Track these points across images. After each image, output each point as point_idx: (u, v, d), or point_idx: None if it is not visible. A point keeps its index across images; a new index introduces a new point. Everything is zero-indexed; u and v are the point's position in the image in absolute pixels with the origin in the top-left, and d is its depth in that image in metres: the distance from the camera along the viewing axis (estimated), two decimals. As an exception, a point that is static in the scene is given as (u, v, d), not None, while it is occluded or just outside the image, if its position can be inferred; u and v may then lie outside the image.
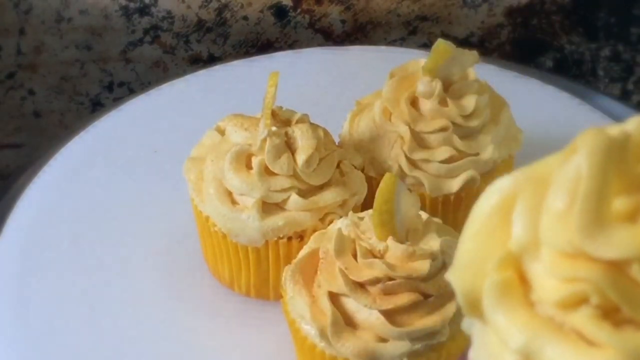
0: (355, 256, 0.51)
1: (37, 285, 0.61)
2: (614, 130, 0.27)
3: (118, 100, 0.80)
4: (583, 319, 0.26)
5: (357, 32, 0.88)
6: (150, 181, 0.68)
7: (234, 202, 0.57)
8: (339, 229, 0.52)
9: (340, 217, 0.55)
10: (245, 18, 0.86)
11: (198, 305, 0.61)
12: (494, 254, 0.28)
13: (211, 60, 0.88)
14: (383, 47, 0.84)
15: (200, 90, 0.77)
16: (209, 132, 0.61)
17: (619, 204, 0.26)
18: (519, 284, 0.28)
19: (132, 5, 0.85)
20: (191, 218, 0.61)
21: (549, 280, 0.27)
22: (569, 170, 0.27)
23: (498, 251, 0.28)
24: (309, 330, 0.51)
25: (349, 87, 0.70)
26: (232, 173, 0.56)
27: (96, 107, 0.89)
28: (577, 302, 0.26)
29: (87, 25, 0.85)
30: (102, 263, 0.63)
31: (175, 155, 0.63)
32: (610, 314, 0.26)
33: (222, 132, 0.60)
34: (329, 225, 0.55)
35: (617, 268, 0.26)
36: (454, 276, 0.29)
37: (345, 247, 0.51)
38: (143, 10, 0.85)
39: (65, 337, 0.58)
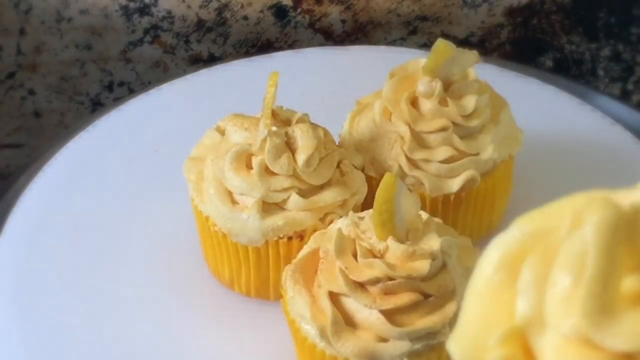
0: (355, 256, 0.51)
1: (37, 285, 0.61)
2: (624, 199, 0.25)
3: (118, 100, 0.80)
4: None
5: (357, 32, 0.88)
6: (150, 181, 0.68)
7: (234, 202, 0.57)
8: (339, 229, 0.52)
9: (340, 217, 0.55)
10: (245, 18, 0.86)
11: (198, 305, 0.61)
12: (498, 324, 0.25)
13: (211, 60, 0.88)
14: (383, 47, 0.84)
15: (200, 90, 0.77)
16: (209, 132, 0.61)
17: (630, 284, 0.24)
18: None
19: (132, 5, 0.85)
20: (191, 218, 0.61)
21: None
22: (575, 244, 0.24)
23: (502, 321, 0.25)
24: (309, 330, 0.51)
25: (349, 87, 0.70)
26: (232, 173, 0.56)
27: (96, 107, 0.89)
28: None
29: (87, 25, 0.85)
30: (102, 263, 0.63)
31: (175, 155, 0.63)
32: None
33: (222, 132, 0.60)
34: (329, 225, 0.55)
35: (625, 359, 0.23)
36: (454, 347, 0.26)
37: (345, 247, 0.51)
38: (143, 10, 0.85)
39: (66, 336, 0.58)
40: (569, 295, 0.24)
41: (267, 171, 0.56)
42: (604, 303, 0.23)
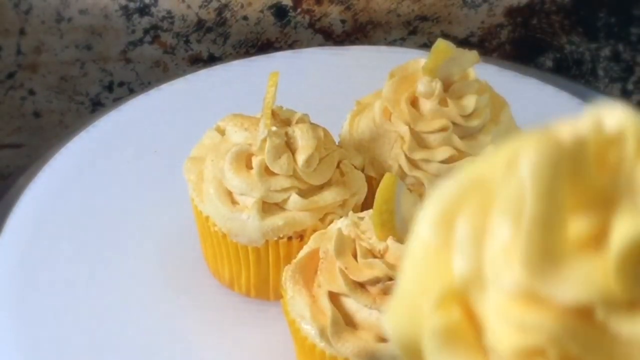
0: (355, 256, 0.51)
1: (37, 285, 0.61)
2: (565, 132, 0.22)
3: (118, 100, 0.80)
4: None
5: (357, 32, 0.88)
6: (150, 181, 0.68)
7: (234, 202, 0.57)
8: (339, 229, 0.52)
9: (340, 217, 0.55)
10: (245, 18, 0.86)
11: (198, 305, 0.61)
12: (435, 289, 0.22)
13: (211, 60, 0.88)
14: (383, 47, 0.84)
15: (200, 90, 0.77)
16: (209, 132, 0.61)
17: (577, 227, 0.21)
18: (467, 327, 0.22)
19: (132, 5, 0.85)
20: (191, 218, 0.61)
21: (499, 324, 0.21)
22: (511, 188, 0.21)
23: (440, 285, 0.22)
24: (309, 330, 0.51)
25: (349, 87, 0.70)
26: (232, 173, 0.56)
27: (96, 107, 0.89)
28: (533, 354, 0.21)
29: (87, 25, 0.85)
30: (102, 263, 0.63)
31: (175, 155, 0.63)
32: None
33: (222, 132, 0.60)
34: (329, 225, 0.55)
35: (577, 313, 0.20)
36: (388, 320, 0.23)
37: (345, 247, 0.51)
38: (143, 10, 0.85)
39: (66, 336, 0.58)
40: (508, 246, 0.21)
41: (267, 171, 0.56)
42: (546, 249, 0.20)
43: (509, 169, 0.21)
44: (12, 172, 0.88)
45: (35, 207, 0.67)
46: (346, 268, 0.50)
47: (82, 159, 0.70)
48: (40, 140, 0.90)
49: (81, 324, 0.59)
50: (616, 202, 0.21)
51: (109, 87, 0.89)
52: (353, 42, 0.88)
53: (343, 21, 0.87)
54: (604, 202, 0.21)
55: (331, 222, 0.56)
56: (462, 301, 0.22)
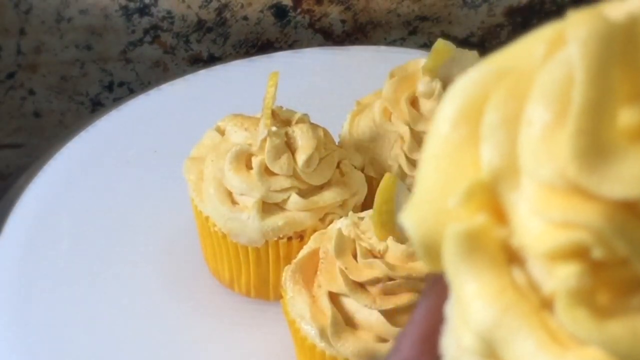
0: (355, 256, 0.51)
1: (37, 285, 0.61)
2: (617, 11, 0.19)
3: (118, 100, 0.80)
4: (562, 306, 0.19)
5: (357, 32, 0.88)
6: (150, 181, 0.68)
7: (234, 202, 0.57)
8: (339, 229, 0.52)
9: (340, 217, 0.55)
10: (245, 18, 0.86)
11: (198, 305, 0.61)
12: (460, 183, 0.20)
13: (211, 60, 0.88)
14: (383, 47, 0.84)
15: (200, 90, 0.77)
16: (209, 132, 0.61)
17: (629, 117, 0.19)
18: (492, 231, 0.20)
19: (132, 5, 0.85)
20: (191, 218, 0.61)
21: (535, 221, 0.19)
22: (555, 71, 0.19)
23: (465, 179, 0.20)
24: (309, 330, 0.51)
25: (349, 87, 0.70)
26: (232, 173, 0.56)
27: (96, 107, 0.89)
28: (572, 254, 0.19)
29: (87, 25, 0.85)
30: (102, 263, 0.63)
31: (175, 155, 0.63)
32: (609, 273, 0.19)
33: (222, 132, 0.60)
34: (329, 225, 0.55)
35: (627, 209, 0.18)
36: (408, 217, 0.21)
37: (345, 247, 0.51)
38: (143, 10, 0.85)
39: (65, 336, 0.58)
40: (549, 134, 0.19)
41: (267, 171, 0.56)
42: (597, 140, 0.18)
43: (551, 51, 0.19)
44: (12, 172, 0.88)
45: (35, 207, 0.67)
46: (346, 268, 0.50)
47: (82, 159, 0.70)
48: (40, 140, 0.90)
49: (81, 324, 0.59)
50: None
51: (109, 87, 0.89)
52: (353, 42, 0.88)
53: (343, 21, 0.87)
54: None
55: (331, 222, 0.56)
56: (490, 198, 0.20)
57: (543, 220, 0.19)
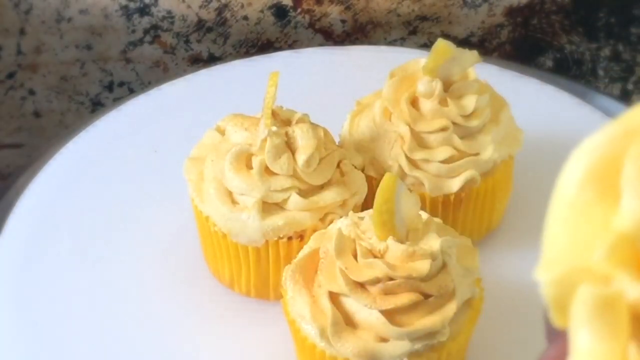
0: (355, 256, 0.51)
1: (38, 285, 0.61)
2: None
3: (118, 100, 0.80)
4: None
5: (357, 32, 0.88)
6: (150, 181, 0.68)
7: (234, 202, 0.57)
8: (339, 229, 0.51)
9: (340, 217, 0.55)
10: (245, 18, 0.86)
11: (198, 305, 0.60)
12: (592, 242, 0.20)
13: (211, 60, 0.88)
14: (383, 47, 0.84)
15: (200, 90, 0.77)
16: (209, 132, 0.61)
17: None
18: (630, 288, 0.20)
19: (132, 5, 0.85)
20: (191, 218, 0.61)
21: None
22: None
23: (601, 236, 0.20)
24: (309, 330, 0.51)
25: (349, 87, 0.70)
26: (232, 173, 0.56)
27: (96, 107, 0.89)
28: None
29: (87, 25, 0.85)
30: (102, 263, 0.63)
31: (175, 155, 0.63)
32: None
33: (222, 132, 0.60)
34: (329, 225, 0.55)
35: None
36: (542, 276, 0.21)
37: (345, 247, 0.51)
38: (143, 10, 0.85)
39: (66, 336, 0.58)
40: None
41: (267, 171, 0.56)
42: None
43: None
44: (12, 172, 0.88)
45: (35, 207, 0.67)
46: (346, 268, 0.50)
47: (82, 159, 0.70)
48: (40, 140, 0.90)
49: (81, 323, 0.59)
50: None
51: (109, 87, 0.89)
52: (353, 42, 0.88)
53: (343, 21, 0.87)
54: None
55: (331, 222, 0.56)
56: (632, 251, 0.20)
57: None
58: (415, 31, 0.88)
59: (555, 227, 0.21)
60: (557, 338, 0.23)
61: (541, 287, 0.21)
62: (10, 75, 0.87)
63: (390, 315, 0.50)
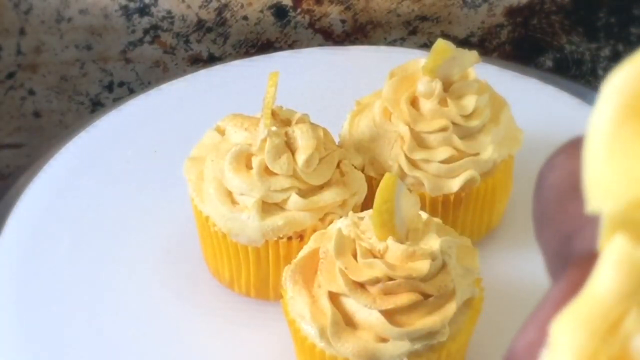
0: (355, 256, 0.51)
1: (37, 285, 0.61)
2: None
3: (118, 100, 0.80)
4: None
5: (357, 32, 0.88)
6: (150, 181, 0.68)
7: (234, 202, 0.57)
8: (339, 229, 0.51)
9: (340, 217, 0.55)
10: (245, 18, 0.86)
11: (198, 305, 0.60)
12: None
13: (211, 60, 0.88)
14: (383, 47, 0.84)
15: (200, 90, 0.77)
16: (209, 132, 0.61)
17: None
18: None
19: (132, 5, 0.85)
20: (191, 218, 0.61)
21: None
22: None
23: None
24: (309, 330, 0.51)
25: (349, 87, 0.70)
26: (232, 173, 0.56)
27: (96, 107, 0.89)
28: None
29: (87, 25, 0.85)
30: (102, 263, 0.63)
31: (175, 155, 0.63)
32: None
33: (222, 132, 0.60)
34: (329, 225, 0.55)
35: None
36: (599, 202, 0.18)
37: (345, 247, 0.51)
38: (143, 10, 0.85)
39: (65, 337, 0.58)
40: None
41: (267, 171, 0.56)
42: None
43: None
44: (12, 172, 0.88)
45: (35, 207, 0.67)
46: (346, 268, 0.50)
47: (82, 159, 0.70)
48: (40, 140, 0.90)
49: (81, 323, 0.59)
50: None
51: (109, 87, 0.89)
52: (353, 42, 0.88)
53: (343, 21, 0.87)
54: None
55: (331, 222, 0.56)
56: None
57: None
58: (415, 31, 0.88)
59: (598, 166, 0.19)
60: (574, 268, 0.21)
61: (601, 211, 0.18)
62: (10, 75, 0.87)
63: (390, 315, 0.50)
